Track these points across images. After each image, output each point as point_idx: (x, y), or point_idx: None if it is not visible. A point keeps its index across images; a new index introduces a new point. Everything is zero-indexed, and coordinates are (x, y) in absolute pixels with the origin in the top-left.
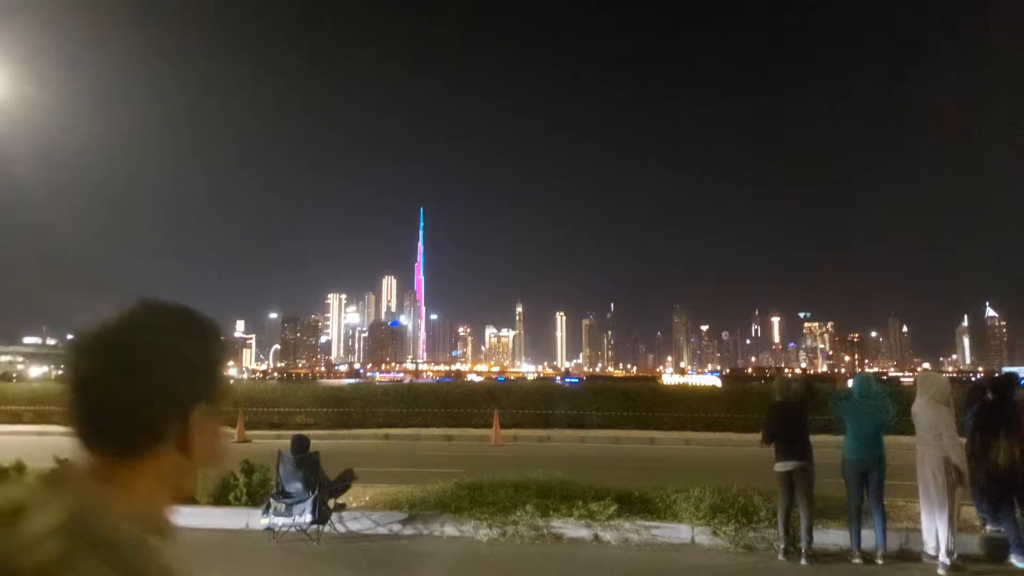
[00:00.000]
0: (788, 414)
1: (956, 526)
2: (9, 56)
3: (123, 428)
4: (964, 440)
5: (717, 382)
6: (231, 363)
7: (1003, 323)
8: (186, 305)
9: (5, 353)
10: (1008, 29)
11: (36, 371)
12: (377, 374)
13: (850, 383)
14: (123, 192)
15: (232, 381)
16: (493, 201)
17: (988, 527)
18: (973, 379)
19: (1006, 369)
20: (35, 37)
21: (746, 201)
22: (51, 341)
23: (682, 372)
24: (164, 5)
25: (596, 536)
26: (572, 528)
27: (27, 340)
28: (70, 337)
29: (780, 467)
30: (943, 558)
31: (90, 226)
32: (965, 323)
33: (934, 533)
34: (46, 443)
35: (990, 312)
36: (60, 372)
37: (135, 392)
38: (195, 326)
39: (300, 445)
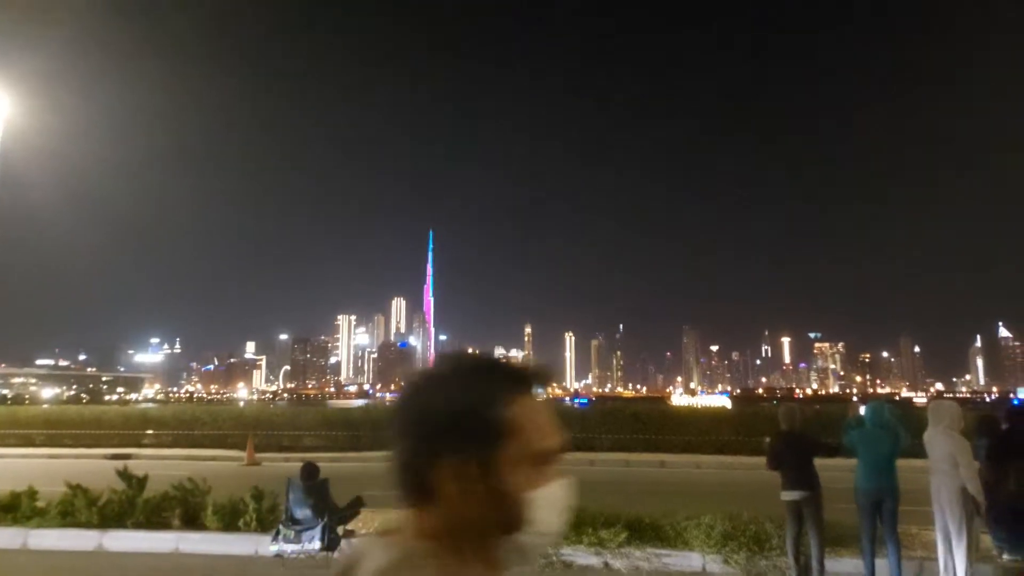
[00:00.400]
0: (794, 443)
1: (974, 556)
2: (27, 86)
3: (398, 479)
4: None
5: (727, 403)
6: (538, 416)
7: (1017, 344)
8: (477, 355)
9: (19, 375)
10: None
11: (48, 393)
12: (388, 395)
13: (862, 410)
14: (135, 216)
15: (242, 403)
16: (502, 222)
17: (1005, 556)
18: (988, 400)
19: (1021, 390)
20: (52, 66)
21: (756, 221)
22: (63, 363)
23: (692, 392)
24: (179, 32)
25: (606, 564)
26: (582, 556)
27: (40, 362)
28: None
29: (787, 496)
30: None
31: (103, 249)
32: (979, 344)
33: (951, 564)
34: (58, 467)
35: (1004, 332)
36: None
37: (398, 443)
38: (466, 378)
39: (309, 472)
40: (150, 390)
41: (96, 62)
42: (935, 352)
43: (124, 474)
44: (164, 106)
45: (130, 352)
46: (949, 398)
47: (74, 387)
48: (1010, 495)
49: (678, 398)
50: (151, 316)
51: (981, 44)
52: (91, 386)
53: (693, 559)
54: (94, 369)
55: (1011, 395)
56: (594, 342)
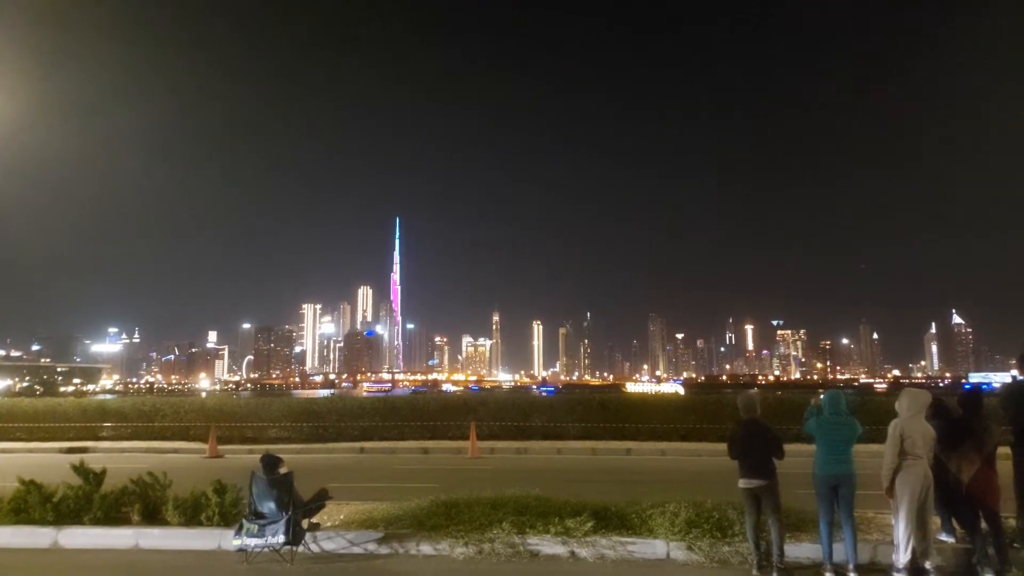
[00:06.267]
0: (754, 432)
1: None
2: None
3: None
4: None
5: (680, 389)
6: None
7: (969, 330)
8: None
9: None
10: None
11: None
12: (365, 384)
13: (821, 398)
14: (92, 203)
15: (204, 394)
16: (470, 210)
17: (950, 538)
18: (941, 385)
19: (973, 375)
20: (6, 49)
21: (721, 210)
22: (15, 353)
23: (659, 380)
24: (138, 15)
25: (572, 553)
26: (548, 545)
27: None
28: None
29: (744, 483)
30: (928, 564)
31: (57, 236)
32: (933, 330)
33: (911, 545)
34: (11, 462)
35: (957, 319)
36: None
37: None
38: None
39: (270, 464)
40: (108, 381)
41: (53, 46)
42: (892, 339)
43: (80, 469)
44: (121, 93)
45: (87, 342)
46: (906, 383)
47: (27, 379)
48: (956, 481)
49: (632, 386)
50: (109, 305)
51: (971, 39)
52: (45, 377)
53: (658, 546)
54: (48, 360)
55: (963, 380)
56: (562, 330)
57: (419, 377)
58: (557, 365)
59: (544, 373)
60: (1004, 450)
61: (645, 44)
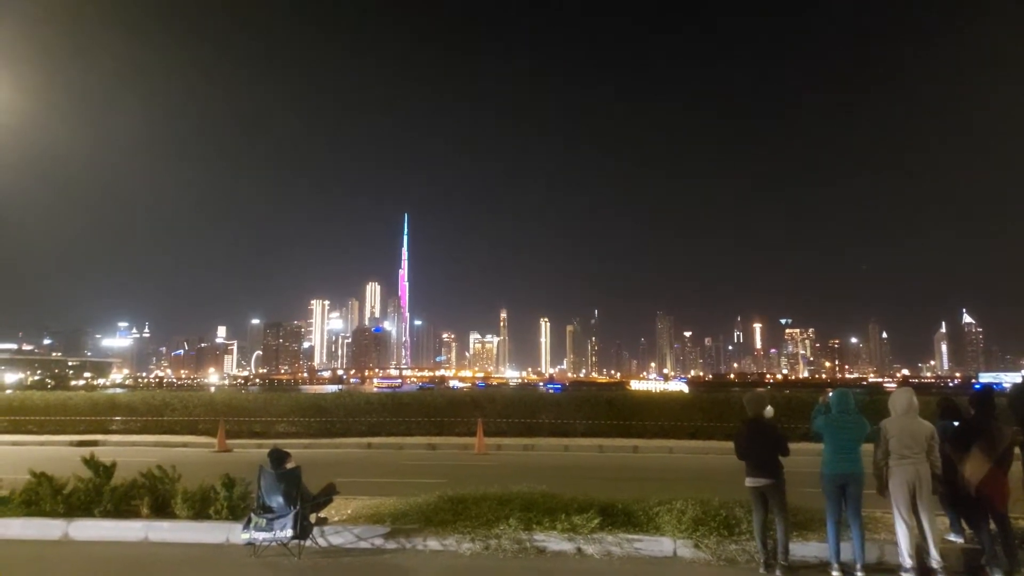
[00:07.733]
0: (760, 431)
1: (937, 536)
2: None
3: None
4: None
5: (684, 388)
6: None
7: (979, 330)
8: None
9: None
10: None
11: (12, 378)
12: (375, 380)
13: (830, 396)
14: (104, 199)
15: (213, 388)
16: (478, 207)
17: (959, 539)
18: (951, 385)
19: (983, 375)
20: (17, 44)
21: (729, 208)
22: (27, 347)
23: (666, 378)
24: (150, 13)
25: (579, 549)
26: (555, 541)
27: (2, 346)
28: None
29: (751, 482)
30: (935, 564)
31: (68, 231)
32: (943, 329)
33: (909, 545)
34: (22, 454)
35: (967, 319)
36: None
37: None
38: None
39: (278, 458)
40: (118, 375)
41: (64, 41)
42: (902, 338)
43: (90, 462)
44: (131, 89)
45: (97, 336)
46: (915, 383)
47: (38, 372)
48: (964, 480)
49: (637, 383)
50: (119, 300)
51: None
52: (56, 371)
53: (664, 544)
54: (59, 354)
55: (973, 380)
56: (569, 327)
57: (426, 373)
58: (564, 362)
59: (551, 370)
60: None
61: (650, 43)
